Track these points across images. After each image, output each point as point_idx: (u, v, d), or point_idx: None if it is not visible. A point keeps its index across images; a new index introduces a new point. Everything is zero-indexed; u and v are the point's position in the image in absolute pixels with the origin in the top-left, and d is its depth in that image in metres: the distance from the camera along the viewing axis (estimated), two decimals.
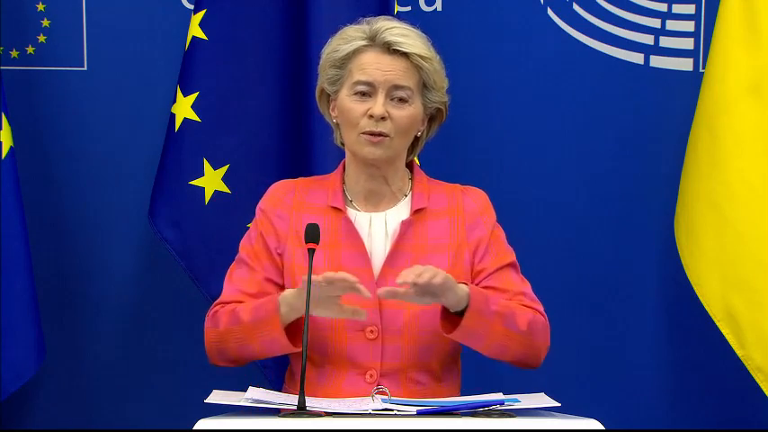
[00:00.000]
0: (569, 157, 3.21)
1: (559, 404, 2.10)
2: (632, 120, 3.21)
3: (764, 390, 2.95)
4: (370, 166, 2.41)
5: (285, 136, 3.02)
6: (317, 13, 2.93)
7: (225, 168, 2.98)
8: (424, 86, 2.40)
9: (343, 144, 2.46)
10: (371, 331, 2.35)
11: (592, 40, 3.21)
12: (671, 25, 3.22)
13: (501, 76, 3.20)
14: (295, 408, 1.99)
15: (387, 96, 2.35)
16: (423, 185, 2.47)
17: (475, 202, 2.46)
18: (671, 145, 3.17)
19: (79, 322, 3.20)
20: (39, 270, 3.01)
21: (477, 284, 2.39)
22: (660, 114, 3.21)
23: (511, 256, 2.45)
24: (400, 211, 2.43)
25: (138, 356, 3.21)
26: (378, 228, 2.42)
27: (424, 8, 3.21)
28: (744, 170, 2.94)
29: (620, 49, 3.21)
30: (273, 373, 2.83)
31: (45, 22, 3.15)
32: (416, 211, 2.42)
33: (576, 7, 3.21)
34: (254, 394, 2.10)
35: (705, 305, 2.99)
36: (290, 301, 2.26)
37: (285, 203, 2.44)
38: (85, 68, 3.17)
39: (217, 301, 2.42)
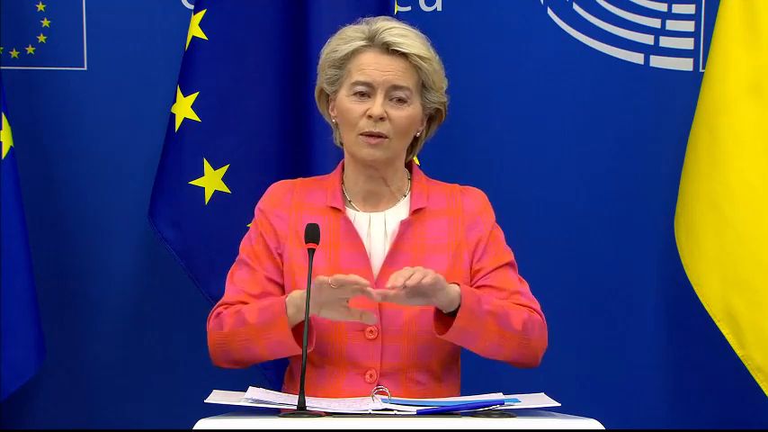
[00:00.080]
0: (569, 157, 3.21)
1: (559, 404, 2.10)
2: (632, 120, 3.21)
3: (764, 390, 2.95)
4: (368, 167, 2.41)
5: (285, 136, 3.02)
6: (317, 13, 2.93)
7: (225, 168, 2.98)
8: (423, 87, 2.40)
9: (342, 144, 2.46)
10: (371, 331, 2.35)
11: (592, 40, 3.21)
12: (671, 25, 3.22)
13: (501, 76, 3.20)
14: (295, 408, 1.99)
15: (385, 97, 2.35)
16: (422, 185, 2.47)
17: (474, 202, 2.46)
18: (671, 145, 3.17)
19: (79, 322, 3.20)
20: (39, 270, 3.01)
21: (475, 283, 2.39)
22: (660, 114, 3.21)
23: (509, 255, 2.45)
24: (399, 211, 2.44)
25: (138, 356, 3.21)
26: (377, 228, 2.42)
27: (424, 8, 3.21)
28: (744, 170, 2.94)
29: (620, 49, 3.21)
30: (273, 373, 2.83)
31: (45, 22, 3.15)
32: (415, 211, 2.42)
33: (575, 7, 3.21)
34: (254, 394, 2.10)
35: (705, 305, 2.99)
36: (297, 303, 2.25)
37: (284, 203, 2.44)
38: (85, 68, 3.17)
39: (219, 303, 2.42)
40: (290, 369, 2.50)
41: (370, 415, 2.02)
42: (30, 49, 3.15)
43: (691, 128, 3.04)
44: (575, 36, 3.21)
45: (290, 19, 2.98)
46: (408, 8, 3.18)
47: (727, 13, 2.96)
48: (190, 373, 3.12)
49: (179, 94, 2.96)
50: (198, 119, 2.96)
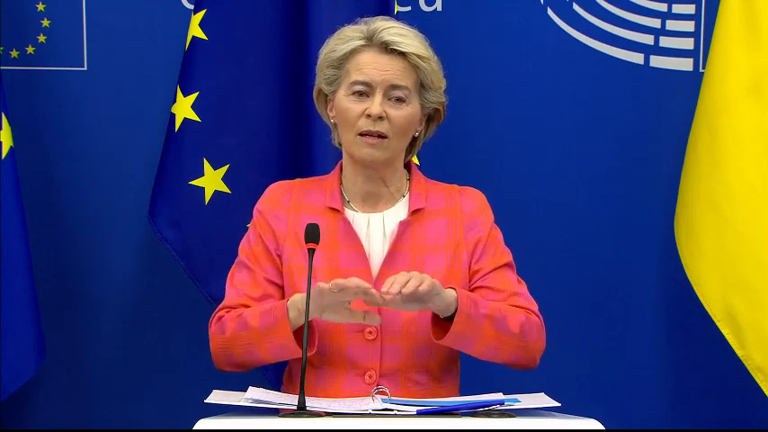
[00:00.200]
0: (569, 157, 3.21)
1: (559, 404, 2.10)
2: (632, 120, 3.21)
3: (764, 390, 2.95)
4: (367, 168, 2.41)
5: (285, 136, 3.02)
6: (316, 14, 2.93)
7: (225, 168, 2.98)
8: (422, 86, 2.39)
9: (340, 145, 2.46)
10: (370, 332, 2.35)
11: (592, 40, 3.21)
12: (671, 25, 3.22)
13: (501, 76, 3.20)
14: (295, 408, 1.99)
15: (384, 96, 2.35)
16: (420, 186, 2.46)
17: (472, 203, 2.46)
18: (671, 145, 3.17)
19: (79, 322, 3.20)
20: (39, 270, 3.01)
21: (473, 284, 2.39)
22: (660, 114, 3.21)
23: (508, 256, 2.45)
24: (398, 212, 2.43)
25: (138, 356, 3.21)
26: (376, 228, 2.41)
27: (424, 8, 3.21)
28: (744, 170, 2.94)
29: (620, 49, 3.21)
30: (273, 373, 2.83)
31: (45, 22, 3.15)
32: (414, 212, 2.42)
33: (575, 7, 3.21)
34: (254, 394, 2.10)
35: (705, 305, 2.99)
36: (299, 306, 2.25)
37: (283, 204, 2.44)
38: (85, 68, 3.17)
39: (220, 306, 2.41)
40: (288, 370, 2.50)
41: (370, 415, 2.02)
42: (30, 49, 3.15)
43: (691, 128, 3.04)
44: (575, 36, 3.21)
45: (290, 19, 2.98)
46: (408, 8, 3.18)
47: (727, 13, 2.96)
48: (190, 373, 3.12)
49: (179, 94, 2.96)
50: (198, 119, 2.96)
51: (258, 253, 2.42)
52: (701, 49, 3.20)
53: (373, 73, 2.35)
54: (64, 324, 3.18)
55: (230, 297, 2.41)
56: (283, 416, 1.96)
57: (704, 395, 3.24)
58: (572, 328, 3.19)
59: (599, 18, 3.21)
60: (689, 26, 3.22)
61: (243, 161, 2.98)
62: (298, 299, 2.26)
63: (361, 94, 2.36)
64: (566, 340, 3.15)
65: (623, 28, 3.21)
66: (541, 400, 2.14)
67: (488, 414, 2.01)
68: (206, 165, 2.97)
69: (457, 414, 2.03)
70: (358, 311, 2.23)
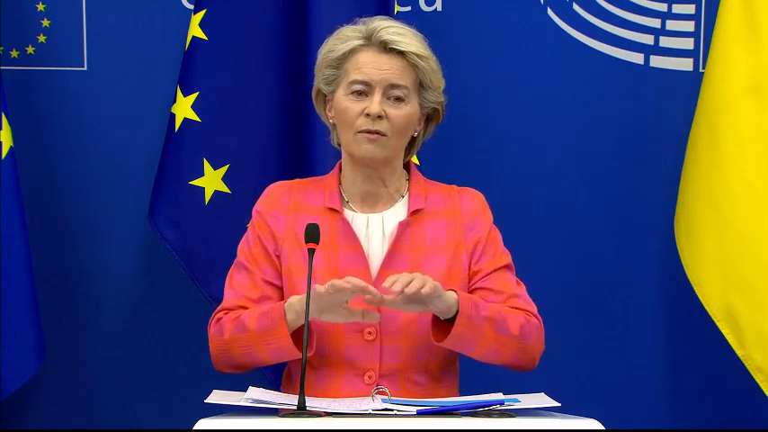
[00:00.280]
0: (569, 157, 3.21)
1: (559, 404, 2.10)
2: (632, 120, 3.21)
3: (764, 390, 2.95)
4: (366, 167, 2.40)
5: (285, 136, 3.02)
6: (316, 14, 2.93)
7: (225, 168, 2.98)
8: (421, 86, 2.39)
9: (339, 145, 2.46)
10: (369, 332, 2.35)
11: (592, 40, 3.21)
12: (671, 25, 3.22)
13: (501, 76, 3.20)
14: (295, 408, 1.99)
15: (383, 95, 2.35)
16: (420, 186, 2.46)
17: (472, 203, 2.46)
18: (671, 145, 3.17)
19: (79, 322, 3.20)
20: (39, 270, 3.01)
21: (473, 285, 2.39)
22: (660, 114, 3.21)
23: (507, 257, 2.45)
24: (397, 212, 2.43)
25: (138, 356, 3.21)
26: (375, 229, 2.41)
27: (424, 8, 3.21)
28: (744, 170, 2.94)
29: (620, 49, 3.21)
30: (273, 373, 2.83)
31: (45, 22, 3.15)
32: (413, 212, 2.41)
33: (575, 7, 3.21)
34: (254, 394, 2.10)
35: (705, 305, 2.99)
36: (296, 308, 2.25)
37: (282, 204, 2.44)
38: (85, 68, 3.17)
39: (219, 308, 2.41)
40: (287, 371, 2.50)
41: (370, 415, 2.02)
42: (30, 49, 3.15)
43: (691, 128, 3.04)
44: (575, 36, 3.21)
45: (290, 19, 2.98)
46: (408, 8, 3.18)
47: (727, 13, 2.96)
48: (190, 373, 3.12)
49: (179, 94, 2.96)
50: (198, 119, 2.96)
51: (257, 254, 2.42)
52: (701, 49, 3.20)
53: (372, 72, 2.35)
54: (64, 324, 3.18)
55: (229, 298, 2.41)
56: (283, 416, 1.96)
57: (704, 395, 3.24)
58: (572, 328, 3.19)
59: (599, 18, 3.21)
60: (689, 26, 3.22)
61: (243, 161, 2.98)
62: (295, 301, 2.26)
63: (360, 93, 2.36)
64: (566, 340, 3.15)
65: (623, 28, 3.21)
66: (541, 400, 2.14)
67: (488, 414, 2.00)
68: (206, 165, 2.97)
69: (457, 414, 2.03)
70: (357, 310, 2.24)
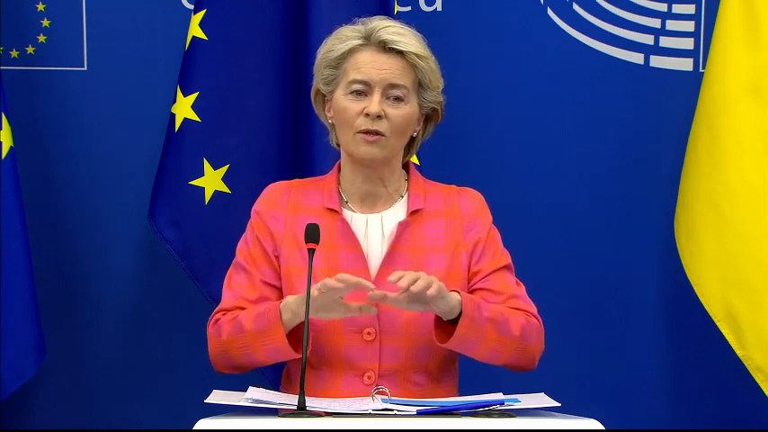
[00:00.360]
0: (569, 157, 3.21)
1: (559, 404, 2.10)
2: (632, 120, 3.21)
3: (764, 390, 2.95)
4: (366, 167, 2.40)
5: (285, 136, 3.02)
6: (316, 14, 2.93)
7: (225, 168, 2.98)
8: (420, 86, 2.39)
9: (338, 145, 2.46)
10: (369, 333, 2.35)
11: (592, 40, 3.21)
12: (671, 25, 3.22)
13: (501, 76, 3.20)
14: (295, 408, 1.99)
15: (382, 95, 2.35)
16: (419, 186, 2.46)
17: (471, 203, 2.46)
18: (671, 145, 3.17)
19: (79, 322, 3.20)
20: (39, 270, 3.01)
21: (473, 286, 2.39)
22: (660, 114, 3.21)
23: (506, 258, 2.45)
24: (396, 212, 2.43)
25: (138, 356, 3.21)
26: (374, 229, 2.41)
27: (424, 8, 3.21)
28: (744, 170, 2.94)
29: (620, 49, 3.21)
30: (273, 373, 2.83)
31: (45, 22, 3.15)
32: (413, 213, 2.41)
33: (575, 7, 3.21)
34: (254, 394, 2.10)
35: (705, 305, 2.99)
36: (292, 308, 2.25)
37: (280, 205, 2.44)
38: (85, 68, 3.17)
39: (217, 309, 2.41)
40: (287, 371, 2.50)
41: (370, 415, 2.02)
42: (30, 49, 3.15)
43: (691, 128, 3.04)
44: (575, 36, 3.21)
45: (290, 19, 2.98)
46: (408, 8, 3.18)
47: (727, 13, 2.96)
48: (190, 373, 3.12)
49: (179, 94, 2.96)
50: (198, 119, 2.96)
51: (255, 255, 2.41)
52: (701, 49, 3.20)
53: (371, 72, 2.35)
54: (64, 324, 3.18)
55: (227, 299, 2.41)
56: (283, 416, 1.96)
57: (704, 395, 3.24)
58: (572, 329, 3.19)
59: (599, 18, 3.21)
60: (689, 26, 3.22)
61: (243, 161, 2.98)
62: (290, 300, 2.26)
63: (359, 93, 2.36)
64: (566, 340, 3.15)
65: (623, 28, 3.21)
66: (541, 400, 2.14)
67: (488, 414, 2.00)
68: (206, 165, 2.97)
69: (457, 414, 2.03)
70: (353, 305, 2.23)
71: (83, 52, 3.17)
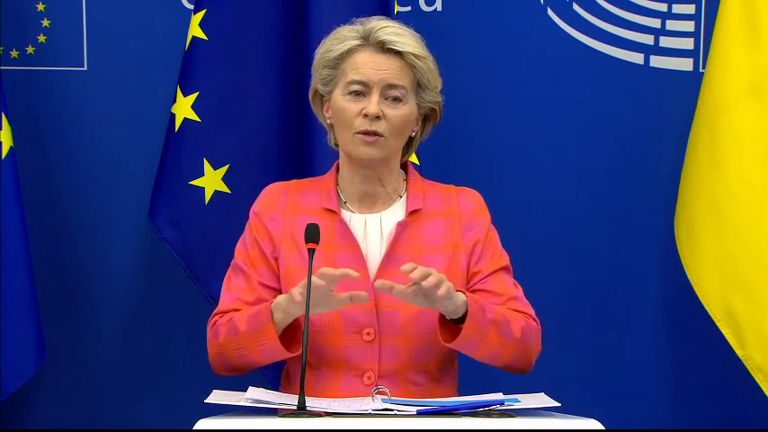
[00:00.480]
0: (569, 157, 3.21)
1: (559, 404, 2.10)
2: (632, 120, 3.21)
3: (764, 390, 2.95)
4: (364, 167, 2.40)
5: (285, 136, 3.02)
6: (316, 14, 2.93)
7: (225, 168, 2.98)
8: (418, 86, 2.39)
9: (337, 145, 2.46)
10: (368, 333, 2.35)
11: (592, 40, 3.21)
12: (671, 25, 3.22)
13: (501, 76, 3.20)
14: (295, 408, 1.99)
15: (381, 96, 2.35)
16: (417, 186, 2.46)
17: (470, 203, 2.46)
18: (671, 145, 3.17)
19: (79, 322, 3.20)
20: (39, 270, 3.01)
21: (472, 287, 2.39)
22: (660, 114, 3.21)
23: (505, 259, 2.45)
24: (395, 213, 2.43)
25: (138, 356, 3.21)
26: (373, 229, 2.41)
27: (424, 8, 3.20)
28: (744, 170, 2.94)
29: (620, 49, 3.21)
30: (273, 373, 2.83)
31: (45, 22, 3.15)
32: (412, 213, 2.41)
33: (575, 7, 3.21)
34: (254, 394, 2.10)
35: (705, 305, 2.99)
36: (282, 307, 2.24)
37: (279, 206, 2.44)
38: (85, 68, 3.17)
39: (216, 311, 2.41)
40: (286, 371, 2.50)
41: (370, 415, 2.02)
42: (30, 49, 3.15)
43: (691, 128, 3.04)
44: (575, 36, 3.21)
45: (290, 19, 2.98)
46: (408, 8, 3.18)
47: (727, 13, 2.96)
48: (190, 373, 3.11)
49: (179, 94, 2.96)
50: (198, 119, 2.96)
51: (254, 256, 2.41)
52: (701, 49, 3.20)
53: (370, 72, 2.35)
54: (64, 324, 3.18)
55: (225, 301, 2.41)
56: (283, 416, 1.96)
57: (704, 395, 3.24)
58: (572, 329, 3.19)
59: (599, 18, 3.21)
60: (689, 26, 3.22)
61: (243, 161, 2.98)
62: (280, 301, 2.25)
63: (357, 93, 2.36)
64: (566, 340, 3.15)
65: (623, 28, 3.21)
66: (541, 400, 2.14)
67: (488, 414, 2.00)
68: (206, 165, 2.97)
69: (457, 414, 2.03)
70: (344, 296, 2.20)
71: (83, 52, 3.17)
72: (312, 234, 2.19)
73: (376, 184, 2.42)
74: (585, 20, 3.21)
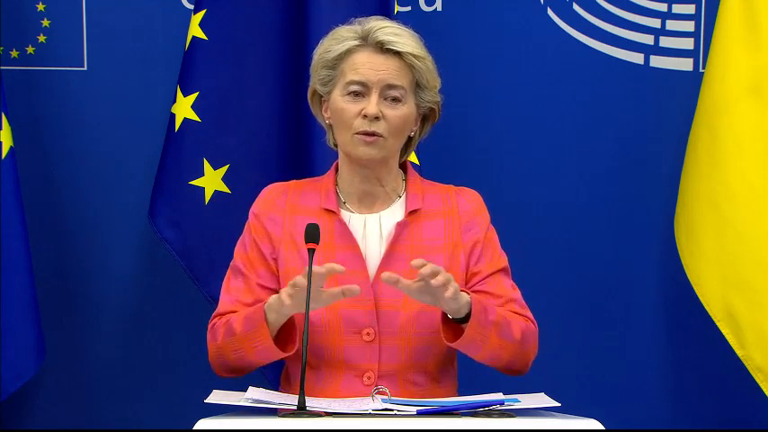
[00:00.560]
0: (569, 157, 3.21)
1: (559, 404, 2.10)
2: (632, 120, 3.21)
3: (764, 390, 2.95)
4: (363, 167, 2.40)
5: (285, 136, 3.02)
6: (316, 14, 2.93)
7: (225, 168, 2.98)
8: (417, 86, 2.39)
9: (336, 145, 2.46)
10: (368, 333, 2.35)
11: (592, 40, 3.21)
12: (671, 25, 3.22)
13: (501, 76, 3.20)
14: (295, 408, 1.99)
15: (380, 96, 2.34)
16: (417, 186, 2.46)
17: (469, 203, 2.46)
18: (671, 145, 3.17)
19: (79, 322, 3.20)
20: (39, 270, 3.01)
21: (471, 287, 2.39)
22: (660, 114, 3.21)
23: (504, 260, 2.45)
24: (395, 213, 2.43)
25: (138, 356, 3.21)
26: (372, 229, 2.41)
27: (424, 8, 3.20)
28: (744, 170, 2.94)
29: (620, 49, 3.21)
30: (273, 373, 2.83)
31: (45, 22, 3.15)
32: (411, 213, 2.41)
33: (575, 7, 3.21)
34: (254, 394, 2.10)
35: (705, 305, 2.99)
36: (275, 308, 2.24)
37: (278, 206, 2.43)
38: (85, 68, 3.17)
39: (215, 313, 2.41)
40: (286, 372, 2.50)
41: (370, 415, 2.02)
42: (30, 49, 3.16)
43: (691, 128, 3.04)
44: (575, 36, 3.21)
45: (290, 19, 2.98)
46: (408, 8, 3.18)
47: (727, 13, 2.96)
48: (190, 373, 3.11)
49: (179, 94, 2.96)
50: (198, 119, 2.96)
51: (253, 258, 2.41)
52: (701, 49, 3.20)
53: (369, 73, 2.34)
54: (64, 324, 3.18)
55: (224, 303, 2.41)
56: (283, 416, 1.96)
57: (704, 395, 3.24)
58: (572, 329, 3.19)
59: (599, 18, 3.21)
60: (689, 26, 3.22)
61: (243, 161, 2.98)
62: (272, 301, 2.24)
63: (356, 94, 2.35)
64: (566, 340, 3.15)
65: (623, 28, 3.21)
66: (541, 400, 2.14)
67: (488, 414, 2.00)
68: (206, 165, 2.97)
69: (457, 414, 2.03)
70: (336, 290, 2.19)
71: (83, 52, 3.17)
72: (312, 234, 2.19)
73: (375, 184, 2.42)
74: (585, 20, 3.21)
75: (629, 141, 3.22)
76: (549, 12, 3.21)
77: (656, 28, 3.22)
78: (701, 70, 3.17)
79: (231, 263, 2.45)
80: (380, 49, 2.35)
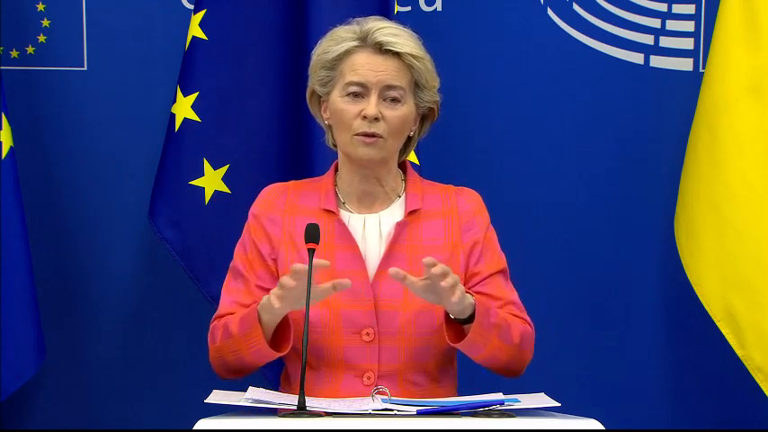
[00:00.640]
0: (569, 157, 3.21)
1: (559, 404, 2.10)
2: (632, 120, 3.21)
3: (764, 390, 2.95)
4: (363, 168, 2.40)
5: (285, 136, 3.02)
6: (317, 14, 2.93)
7: (225, 168, 2.98)
8: (416, 86, 2.39)
9: (335, 146, 2.45)
10: (368, 333, 2.35)
11: (592, 40, 3.21)
12: (671, 25, 3.22)
13: (501, 76, 3.20)
14: (295, 408, 1.99)
15: (379, 97, 2.34)
16: (416, 186, 2.46)
17: (469, 203, 2.46)
18: (671, 145, 3.17)
19: (79, 322, 3.20)
20: (39, 270, 3.01)
21: (470, 288, 2.38)
22: (660, 114, 3.21)
23: (503, 262, 2.45)
24: (394, 213, 2.43)
25: (138, 356, 3.21)
26: (372, 229, 2.41)
27: (424, 8, 3.20)
28: (744, 170, 2.94)
29: (620, 49, 3.21)
30: (273, 373, 2.83)
31: (45, 22, 3.15)
32: (410, 213, 2.41)
33: (575, 7, 3.21)
34: (254, 394, 2.10)
35: (705, 305, 2.99)
36: (267, 309, 2.24)
37: (277, 207, 2.43)
38: (85, 68, 3.17)
39: (215, 315, 2.41)
40: (286, 372, 2.50)
41: (370, 415, 2.02)
42: (30, 49, 3.15)
43: (691, 128, 3.04)
44: (575, 36, 3.21)
45: (290, 19, 2.98)
46: (408, 8, 3.18)
47: (727, 13, 2.96)
48: (190, 373, 3.12)
49: (179, 94, 2.96)
50: (198, 119, 2.96)
51: (252, 259, 2.41)
52: (701, 49, 3.20)
53: (368, 74, 2.34)
54: (64, 324, 3.18)
55: (224, 305, 2.41)
56: (283, 416, 1.96)
57: (704, 395, 3.24)
58: (572, 329, 3.19)
59: (599, 18, 3.21)
60: (689, 26, 3.22)
61: (243, 161, 2.98)
62: (264, 301, 2.24)
63: (356, 95, 2.35)
64: (566, 340, 3.15)
65: (623, 28, 3.21)
66: (541, 400, 2.14)
67: (488, 414, 2.00)
68: (206, 165, 2.97)
69: (457, 414, 2.03)
70: (327, 286, 2.18)
71: (83, 52, 3.17)
72: (312, 234, 2.19)
73: (375, 184, 2.42)
74: (585, 20, 3.21)
75: (629, 141, 3.22)
76: (549, 12, 3.21)
77: (656, 28, 3.22)
78: (701, 70, 3.17)
79: (231, 264, 2.45)
80: (379, 49, 2.35)
